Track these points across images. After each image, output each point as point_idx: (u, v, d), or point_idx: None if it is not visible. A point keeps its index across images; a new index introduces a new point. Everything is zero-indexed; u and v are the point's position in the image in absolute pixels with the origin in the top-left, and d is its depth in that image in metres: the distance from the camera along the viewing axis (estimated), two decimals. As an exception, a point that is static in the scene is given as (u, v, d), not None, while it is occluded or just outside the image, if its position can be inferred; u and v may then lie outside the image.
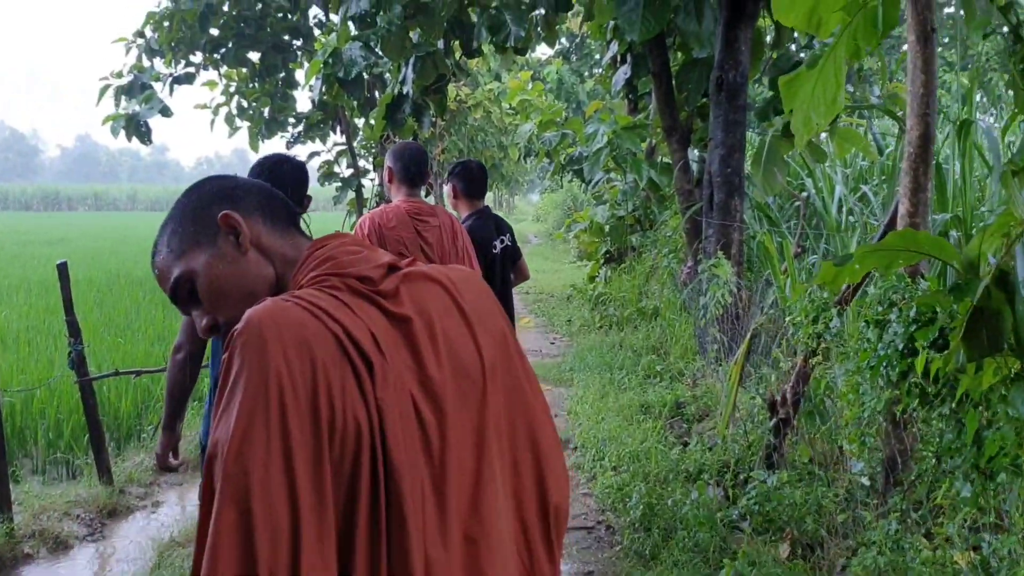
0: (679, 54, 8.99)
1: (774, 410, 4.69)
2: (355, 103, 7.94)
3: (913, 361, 2.97)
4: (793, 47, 8.45)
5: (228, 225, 1.44)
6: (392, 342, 1.35)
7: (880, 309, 3.37)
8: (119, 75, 12.06)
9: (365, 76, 11.02)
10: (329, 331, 1.29)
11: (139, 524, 5.22)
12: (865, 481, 3.58)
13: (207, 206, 1.47)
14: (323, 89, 7.81)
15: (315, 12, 12.75)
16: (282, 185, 2.98)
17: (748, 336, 5.77)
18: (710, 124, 7.40)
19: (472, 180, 4.76)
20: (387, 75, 10.54)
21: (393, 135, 9.20)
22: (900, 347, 2.96)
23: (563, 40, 28.81)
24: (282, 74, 13.60)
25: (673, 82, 8.52)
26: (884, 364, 3.21)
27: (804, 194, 8.79)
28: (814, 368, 4.52)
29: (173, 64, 12.26)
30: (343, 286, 1.38)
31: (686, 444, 5.75)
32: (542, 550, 1.51)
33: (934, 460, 3.12)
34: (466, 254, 4.13)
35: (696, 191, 8.55)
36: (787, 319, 4.66)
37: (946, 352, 2.75)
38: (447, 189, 4.85)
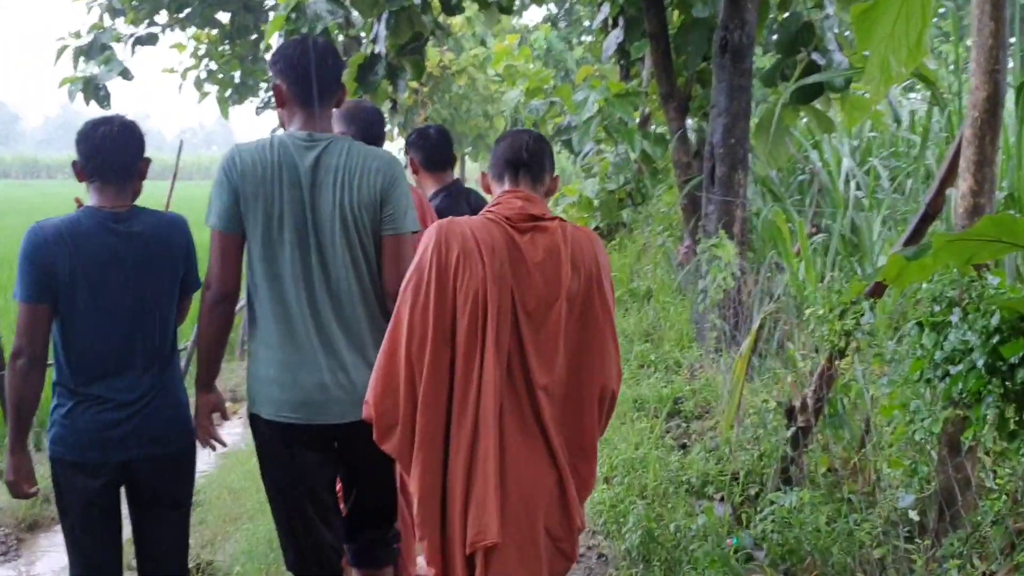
0: (676, 14, 8.31)
1: (792, 417, 4.05)
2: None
3: (992, 380, 2.33)
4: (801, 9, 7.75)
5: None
6: (507, 255, 2.52)
7: (937, 309, 2.73)
8: (77, 35, 11.28)
9: (338, 36, 10.27)
10: (471, 237, 2.52)
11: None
12: (914, 516, 2.95)
13: None
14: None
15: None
16: (112, 149, 2.74)
17: (755, 326, 5.12)
18: (712, 90, 6.72)
19: (433, 149, 4.04)
20: (363, 35, 9.79)
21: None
22: (978, 363, 2.31)
23: (551, 6, 27.97)
24: (254, 36, 12.82)
25: (671, 44, 7.84)
26: (942, 376, 2.58)
27: (812, 166, 8.14)
28: (839, 371, 3.89)
29: (136, 24, 11.47)
30: (494, 218, 2.58)
31: (685, 447, 5.13)
32: (588, 407, 2.62)
33: (1008, 501, 2.49)
34: None
35: (694, 163, 7.90)
36: (807, 312, 4.01)
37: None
38: (405, 161, 4.17)
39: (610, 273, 2.70)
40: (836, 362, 3.84)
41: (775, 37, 7.55)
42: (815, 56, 6.90)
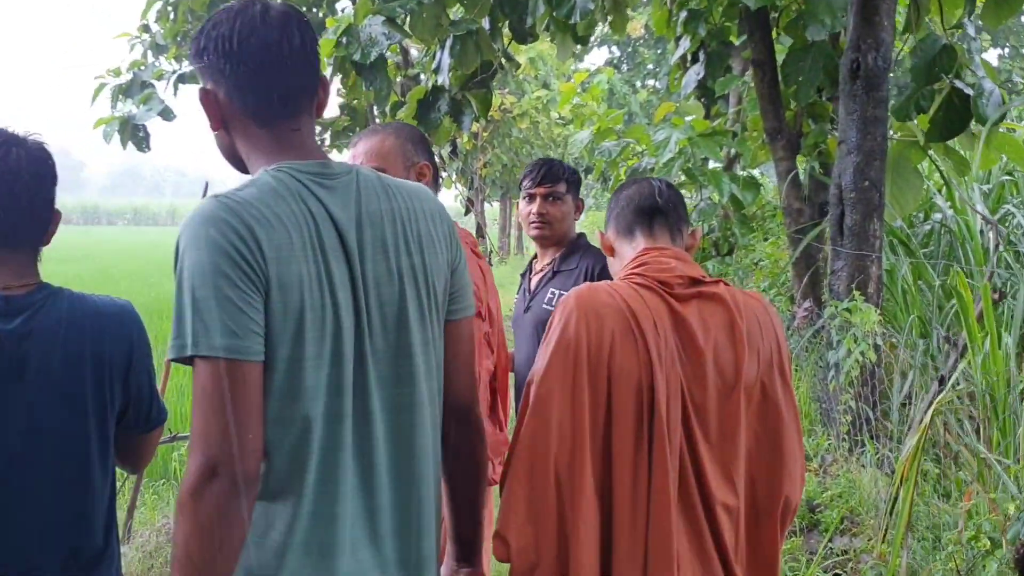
0: (777, 34, 7.27)
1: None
2: (375, 96, 6.31)
3: None
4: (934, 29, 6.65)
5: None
6: (669, 331, 1.92)
7: None
8: (117, 73, 10.51)
9: (396, 78, 9.37)
10: (621, 311, 1.91)
11: None
12: None
13: None
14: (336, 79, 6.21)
15: (344, 3, 11.12)
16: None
17: (926, 418, 3.99)
18: (840, 123, 5.63)
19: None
20: (422, 74, 8.88)
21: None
22: None
23: (614, 49, 27.22)
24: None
25: (779, 73, 6.78)
26: None
27: (981, 215, 7.01)
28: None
29: (179, 61, 10.70)
30: (644, 283, 1.99)
31: (836, 576, 3.99)
32: (766, 525, 1.99)
33: None
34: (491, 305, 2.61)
35: (806, 210, 6.79)
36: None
37: None
38: (531, 208, 3.43)
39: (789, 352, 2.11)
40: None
41: (908, 63, 6.44)
42: (959, 84, 5.80)
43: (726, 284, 2.09)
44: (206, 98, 1.66)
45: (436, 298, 1.73)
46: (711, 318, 1.97)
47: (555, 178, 3.37)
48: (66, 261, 24.99)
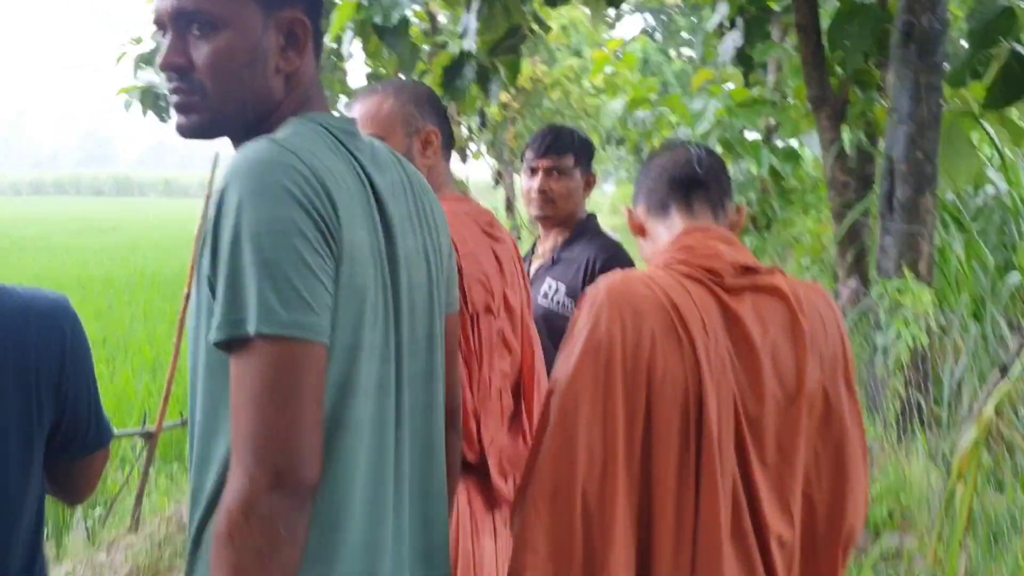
0: None
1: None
2: (397, 59, 6.00)
3: None
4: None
5: None
6: (720, 331, 1.55)
7: None
8: (138, 41, 10.30)
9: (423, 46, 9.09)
10: (662, 306, 1.54)
11: None
12: None
13: None
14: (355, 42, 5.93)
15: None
16: None
17: (987, 410, 3.69)
18: (892, 90, 5.29)
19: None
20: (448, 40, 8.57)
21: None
22: None
23: (647, 16, 26.71)
24: (335, 44, 11.73)
25: (823, 39, 6.43)
26: None
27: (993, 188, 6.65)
28: None
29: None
30: (688, 273, 1.60)
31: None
32: (825, 560, 1.64)
33: None
34: (527, 301, 2.22)
35: (851, 182, 6.45)
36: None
37: None
38: (532, 184, 2.90)
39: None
40: None
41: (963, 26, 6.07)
42: (1019, 48, 5.43)
43: (783, 274, 1.73)
44: (301, 23, 1.37)
45: (443, 285, 1.49)
46: (768, 315, 1.62)
47: (562, 149, 2.88)
48: (96, 232, 25.11)
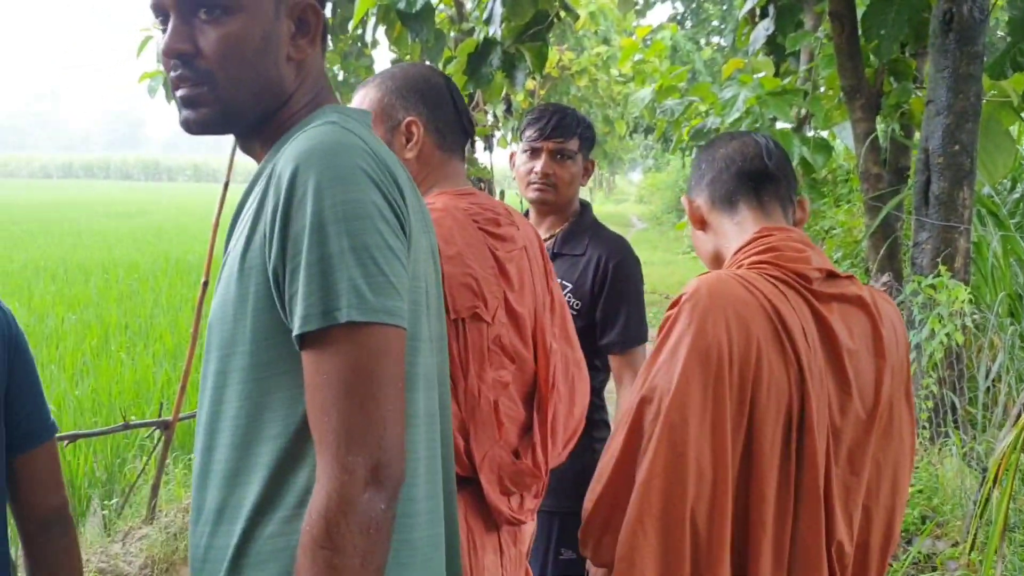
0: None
1: None
2: (421, 47, 5.91)
3: None
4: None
5: None
6: (816, 339, 1.50)
7: None
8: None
9: (449, 32, 8.97)
10: (765, 312, 1.47)
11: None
12: None
13: None
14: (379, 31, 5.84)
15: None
16: None
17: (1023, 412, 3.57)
18: (929, 80, 5.13)
19: None
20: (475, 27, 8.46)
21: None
22: None
23: (677, 4, 26.42)
24: (360, 30, 11.64)
25: (859, 27, 6.27)
26: None
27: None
28: None
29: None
30: (781, 277, 1.53)
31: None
32: (875, 570, 1.60)
33: None
34: (558, 306, 2.06)
35: (885, 175, 6.29)
36: None
37: None
38: (533, 166, 2.68)
39: None
40: None
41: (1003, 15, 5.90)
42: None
43: (857, 280, 1.67)
44: (312, 9, 1.33)
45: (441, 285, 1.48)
46: (853, 325, 1.57)
47: (567, 132, 2.66)
48: (123, 216, 25.22)
